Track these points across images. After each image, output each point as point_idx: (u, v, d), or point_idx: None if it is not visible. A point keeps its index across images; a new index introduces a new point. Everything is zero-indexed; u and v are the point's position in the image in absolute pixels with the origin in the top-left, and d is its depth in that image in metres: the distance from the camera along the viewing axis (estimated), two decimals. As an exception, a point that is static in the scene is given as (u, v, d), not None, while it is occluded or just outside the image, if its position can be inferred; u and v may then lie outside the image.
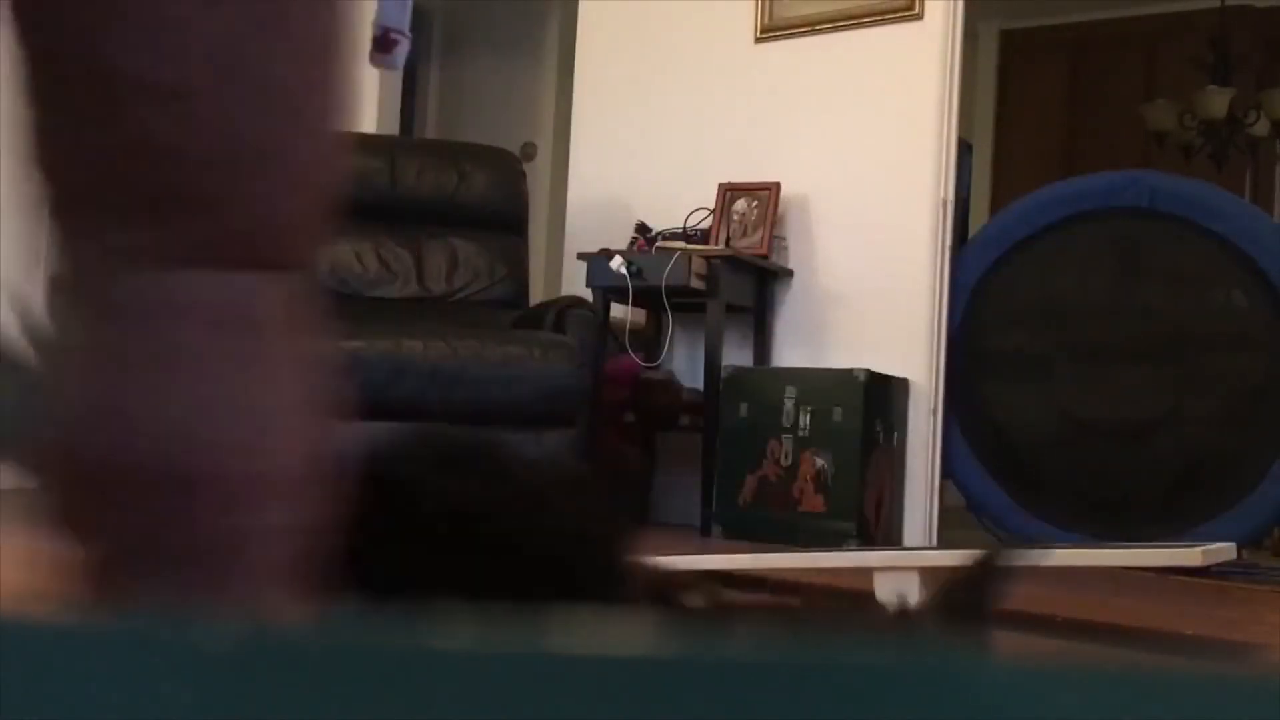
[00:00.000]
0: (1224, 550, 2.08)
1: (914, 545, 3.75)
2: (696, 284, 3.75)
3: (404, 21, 0.35)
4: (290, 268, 0.35)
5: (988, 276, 3.97)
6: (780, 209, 4.05)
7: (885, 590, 2.21)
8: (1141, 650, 1.96)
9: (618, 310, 4.03)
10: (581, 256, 4.03)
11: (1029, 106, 6.71)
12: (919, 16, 3.91)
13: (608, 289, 3.90)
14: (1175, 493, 3.69)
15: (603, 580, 0.45)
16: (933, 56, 3.89)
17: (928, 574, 2.19)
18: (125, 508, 0.30)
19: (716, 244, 3.96)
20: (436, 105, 6.33)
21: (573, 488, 0.47)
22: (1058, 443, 3.87)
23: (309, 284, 0.35)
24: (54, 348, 0.29)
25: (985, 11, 6.46)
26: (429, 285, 3.98)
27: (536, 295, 4.48)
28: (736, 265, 3.89)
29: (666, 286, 3.70)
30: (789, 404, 3.67)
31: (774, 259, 4.03)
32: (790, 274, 4.10)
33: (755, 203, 4.03)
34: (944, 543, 3.86)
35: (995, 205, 6.36)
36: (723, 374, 3.78)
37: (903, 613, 0.46)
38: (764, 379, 3.79)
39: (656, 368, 4.16)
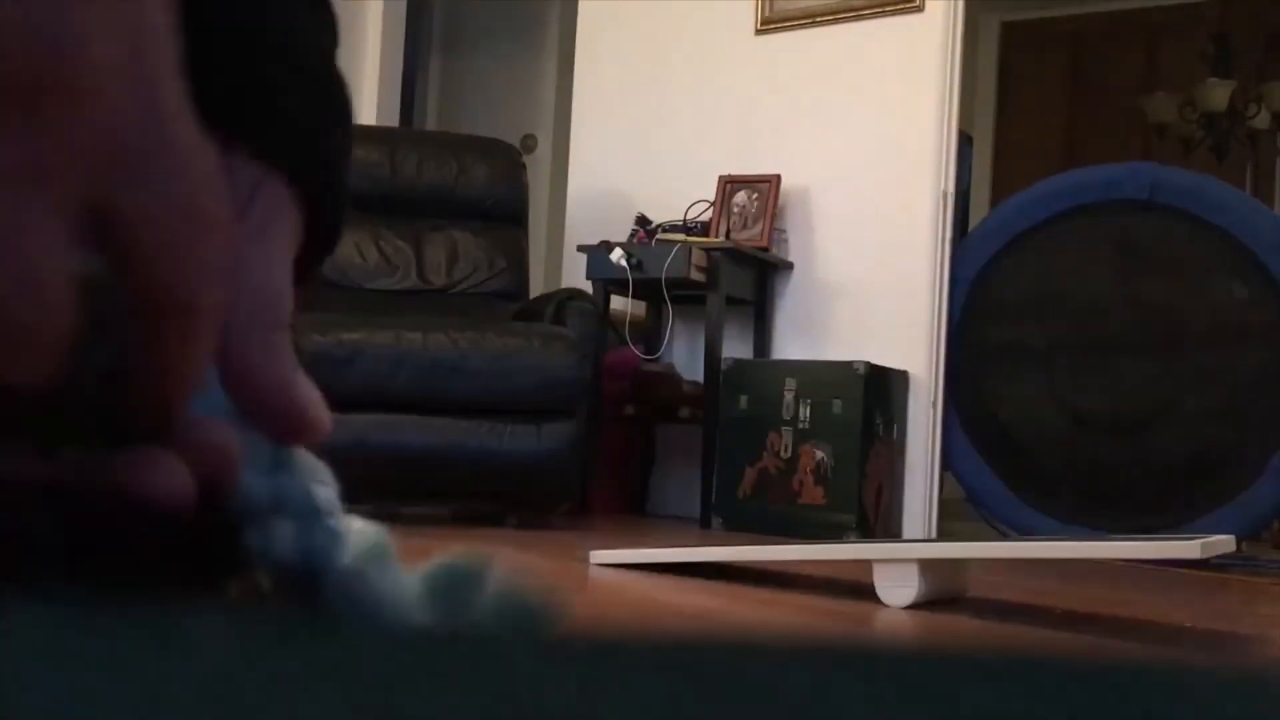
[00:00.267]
0: (1223, 543, 2.08)
1: (913, 537, 3.76)
2: (696, 276, 3.75)
3: None
4: None
5: (988, 269, 3.97)
6: (780, 201, 4.05)
7: (885, 582, 2.21)
8: (1140, 643, 1.96)
9: (618, 302, 4.03)
10: (581, 248, 4.03)
11: (1029, 99, 6.71)
12: (920, 8, 3.91)
13: (608, 281, 3.90)
14: (1174, 485, 3.70)
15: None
16: (933, 48, 3.89)
17: (927, 566, 2.20)
18: None
19: (717, 236, 3.96)
20: (437, 97, 6.32)
21: None
22: (1057, 435, 3.88)
23: None
24: None
25: (986, 3, 6.45)
26: (429, 277, 3.98)
27: (536, 287, 4.48)
28: (737, 257, 3.89)
29: (666, 279, 3.70)
30: (789, 396, 3.67)
31: (774, 251, 4.03)
32: (790, 266, 4.10)
33: (755, 195, 4.03)
34: (943, 534, 3.86)
35: (996, 197, 6.36)
36: (723, 366, 3.78)
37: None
38: (764, 371, 3.79)
39: (656, 360, 4.16)
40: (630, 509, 4.22)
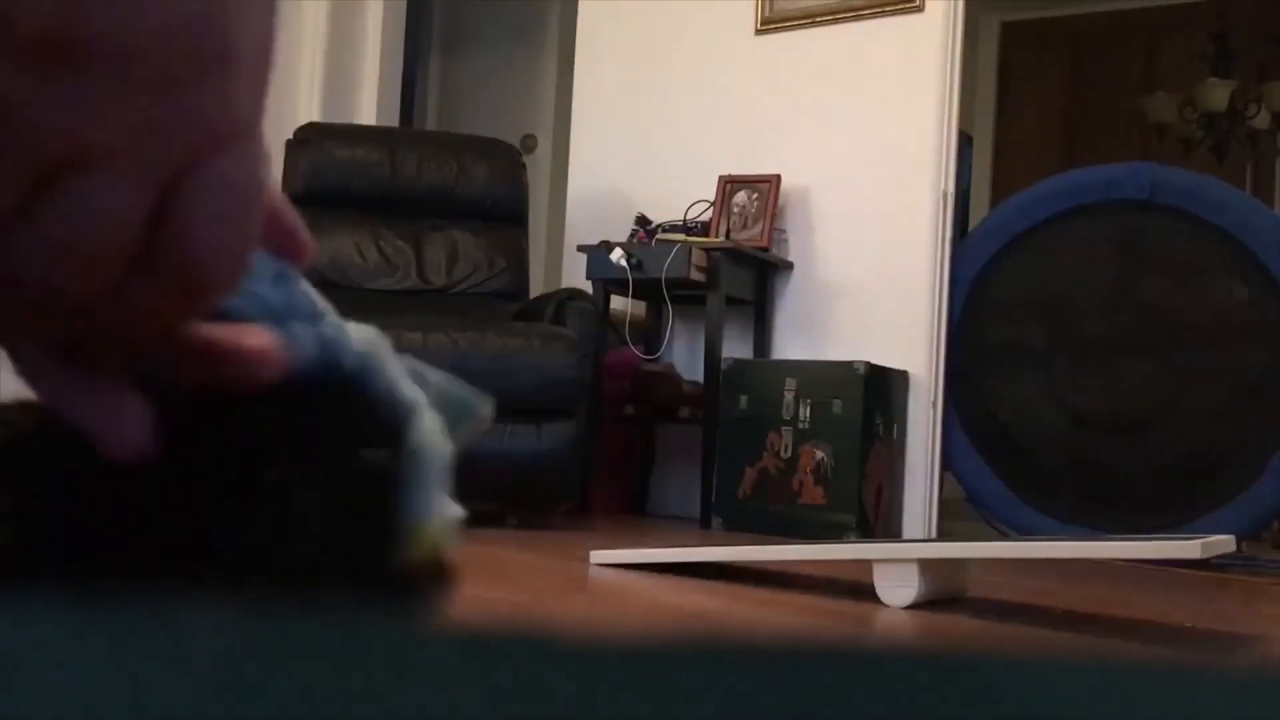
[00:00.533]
0: (1223, 543, 2.08)
1: (913, 537, 3.76)
2: (696, 276, 3.75)
3: None
4: None
5: (988, 269, 3.97)
6: (780, 201, 4.05)
7: (885, 582, 2.21)
8: (1140, 643, 1.96)
9: (618, 302, 4.03)
10: (581, 248, 4.03)
11: (1030, 99, 6.71)
12: (920, 8, 3.91)
13: (608, 281, 3.90)
14: (1174, 485, 3.70)
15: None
16: (933, 48, 3.89)
17: (927, 566, 2.20)
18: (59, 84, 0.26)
19: (717, 236, 3.96)
20: (437, 97, 6.32)
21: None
22: (1057, 435, 3.88)
23: None
24: None
25: (986, 3, 6.45)
26: (429, 277, 3.98)
27: (536, 287, 4.48)
28: (737, 257, 3.89)
29: (666, 279, 3.70)
30: (789, 396, 3.67)
31: (774, 251, 4.03)
32: (790, 266, 4.10)
33: (755, 195, 4.03)
34: (944, 534, 3.86)
35: (996, 197, 6.36)
36: (723, 366, 3.78)
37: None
38: (764, 371, 3.79)
39: (656, 360, 4.16)
40: (630, 509, 4.22)
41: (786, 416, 3.67)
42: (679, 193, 4.20)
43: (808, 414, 3.64)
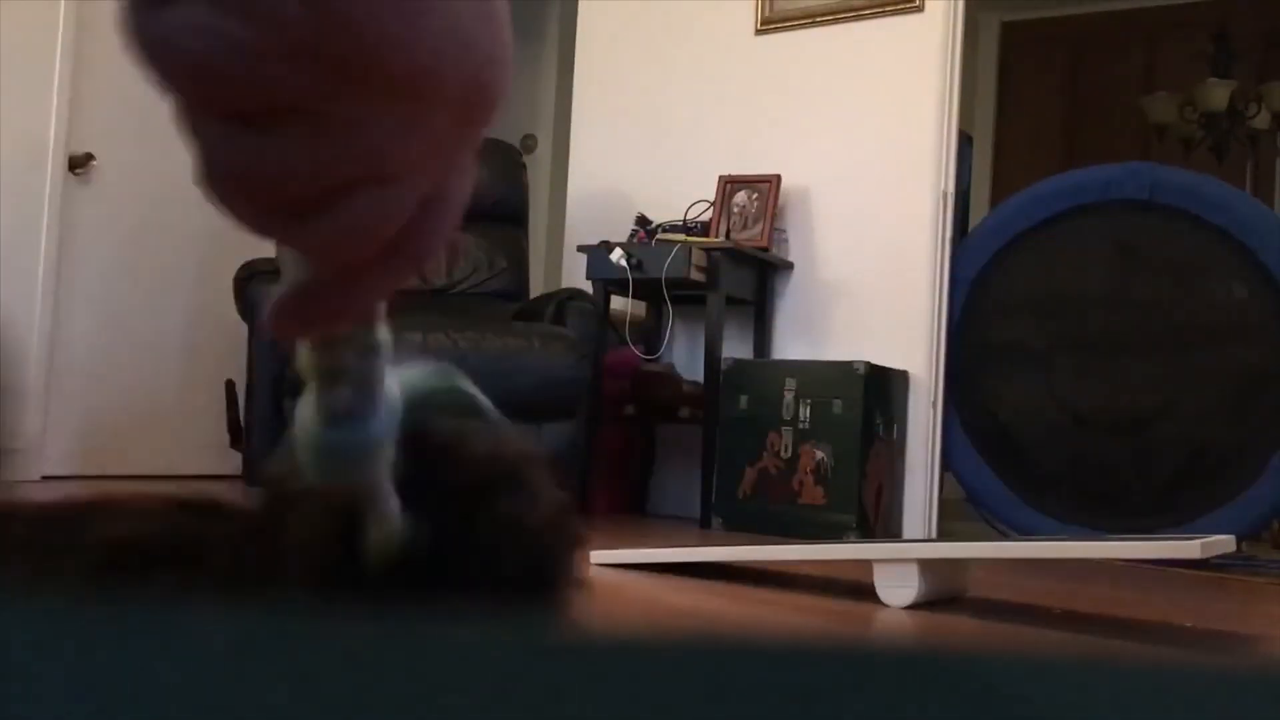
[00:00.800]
0: (1223, 542, 2.08)
1: (913, 537, 3.76)
2: (696, 276, 3.75)
3: None
4: None
5: (988, 269, 3.97)
6: (780, 201, 4.05)
7: (885, 582, 2.21)
8: (1140, 643, 1.96)
9: (618, 302, 4.03)
10: (582, 249, 4.03)
11: (1029, 99, 6.71)
12: (919, 9, 3.91)
13: (608, 281, 3.90)
14: (1174, 485, 3.70)
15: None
16: (933, 48, 3.89)
17: (927, 566, 2.20)
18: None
19: (717, 236, 3.96)
20: (436, 97, 6.31)
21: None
22: (1057, 435, 3.88)
23: None
24: None
25: (986, 4, 6.45)
26: (429, 277, 3.98)
27: (536, 287, 4.48)
28: (737, 257, 3.89)
29: (666, 279, 3.70)
30: (789, 396, 3.67)
31: (774, 251, 4.03)
32: (790, 266, 4.10)
33: (755, 195, 4.03)
34: (943, 534, 3.86)
35: (996, 197, 6.36)
36: (723, 366, 3.78)
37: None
38: (764, 371, 3.79)
39: (656, 360, 4.16)
40: (630, 509, 4.22)
41: (786, 416, 3.67)
42: (679, 193, 4.20)
43: (808, 414, 3.64)
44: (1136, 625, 2.18)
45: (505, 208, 4.12)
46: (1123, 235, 3.85)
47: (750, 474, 3.72)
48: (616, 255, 3.80)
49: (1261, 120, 5.85)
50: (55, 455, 4.09)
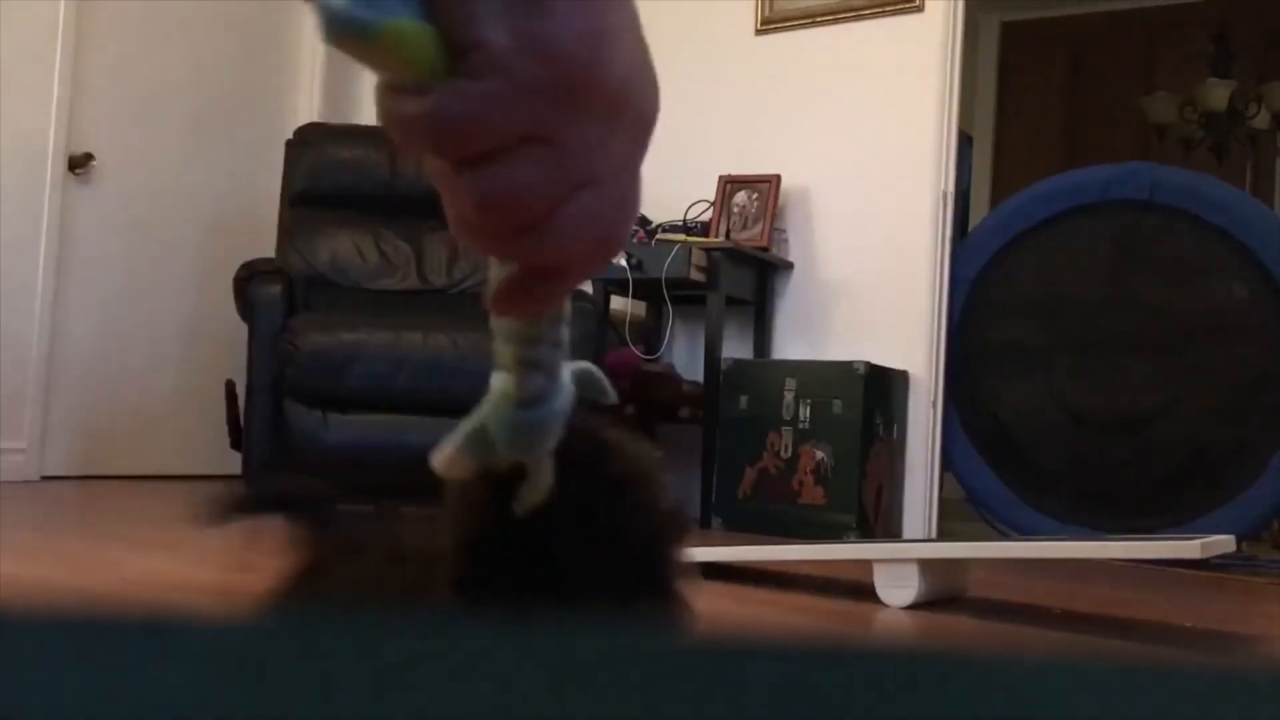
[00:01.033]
0: (1223, 543, 2.08)
1: (913, 537, 3.76)
2: (696, 276, 3.75)
3: None
4: None
5: (988, 269, 3.97)
6: (780, 201, 4.05)
7: (885, 582, 2.21)
8: (1140, 643, 1.96)
9: (618, 302, 4.03)
10: (581, 249, 4.02)
11: (1029, 99, 6.71)
12: (919, 9, 3.91)
13: (608, 281, 3.90)
14: (1174, 485, 3.70)
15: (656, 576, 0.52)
16: (933, 49, 3.89)
17: (927, 566, 2.20)
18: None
19: (716, 236, 3.96)
20: (436, 97, 6.31)
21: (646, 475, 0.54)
22: (1057, 435, 3.88)
23: None
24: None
25: (986, 4, 6.45)
26: (429, 277, 3.98)
27: (536, 287, 4.46)
28: (736, 257, 3.89)
29: (666, 279, 3.70)
30: (789, 396, 3.67)
31: (774, 251, 4.03)
32: (790, 266, 4.10)
33: (755, 195, 4.03)
34: (943, 534, 3.86)
35: (996, 197, 6.36)
36: (723, 366, 3.78)
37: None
38: (764, 371, 3.79)
39: (656, 360, 4.16)
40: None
41: (786, 416, 3.67)
42: (679, 193, 4.20)
43: (808, 414, 3.64)
44: (1136, 625, 2.18)
45: (505, 208, 4.12)
46: (1123, 235, 3.85)
47: (750, 474, 3.72)
48: (616, 255, 3.80)
49: (1261, 120, 5.86)
50: (55, 455, 4.10)
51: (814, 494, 3.61)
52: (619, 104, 0.40)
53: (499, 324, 0.47)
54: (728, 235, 3.97)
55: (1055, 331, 3.91)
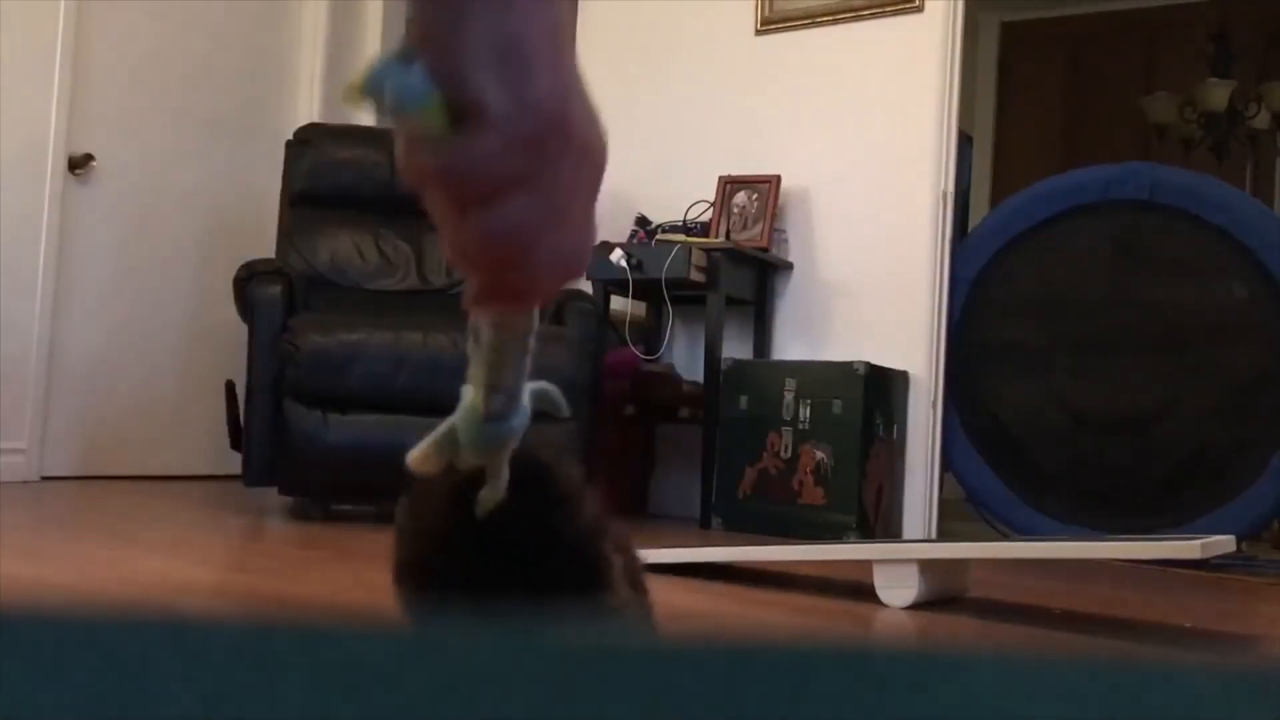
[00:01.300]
0: (1223, 543, 2.08)
1: (913, 537, 3.75)
2: (696, 276, 3.75)
3: None
4: None
5: (988, 269, 3.97)
6: (780, 201, 4.05)
7: (885, 582, 2.21)
8: (1140, 643, 1.96)
9: (618, 303, 4.03)
10: (581, 249, 4.02)
11: (1029, 99, 6.71)
12: (919, 9, 3.91)
13: (608, 281, 3.90)
14: (1174, 485, 3.70)
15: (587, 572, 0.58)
16: (933, 49, 3.89)
17: (927, 566, 2.20)
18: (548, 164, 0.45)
19: (716, 236, 3.96)
20: (436, 97, 6.31)
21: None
22: (1057, 435, 3.88)
23: None
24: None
25: (986, 4, 6.45)
26: (429, 277, 3.98)
27: (536, 287, 4.45)
28: (736, 258, 3.89)
29: (666, 279, 3.70)
30: (789, 396, 3.67)
31: (774, 251, 4.03)
32: (790, 266, 4.10)
33: (755, 195, 4.03)
34: (943, 534, 3.86)
35: (995, 197, 6.36)
36: (723, 366, 3.78)
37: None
38: (764, 371, 3.79)
39: (656, 360, 4.16)
40: (630, 509, 4.22)
41: (786, 417, 3.67)
42: (679, 193, 4.20)
43: (808, 414, 3.64)
44: (1136, 625, 2.18)
45: (505, 208, 4.11)
46: (1123, 235, 3.85)
47: (750, 474, 3.72)
48: (616, 255, 3.80)
49: (1261, 120, 5.86)
50: (55, 456, 4.10)
51: (814, 494, 3.61)
52: (582, 150, 0.47)
53: (473, 349, 0.56)
54: (728, 235, 3.97)
55: (1055, 331, 3.91)
